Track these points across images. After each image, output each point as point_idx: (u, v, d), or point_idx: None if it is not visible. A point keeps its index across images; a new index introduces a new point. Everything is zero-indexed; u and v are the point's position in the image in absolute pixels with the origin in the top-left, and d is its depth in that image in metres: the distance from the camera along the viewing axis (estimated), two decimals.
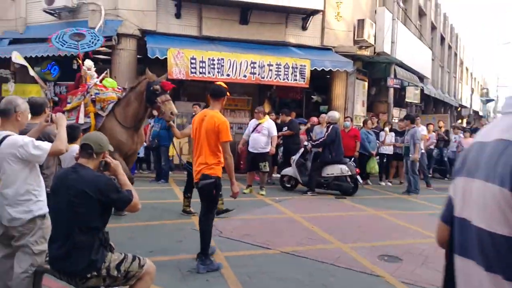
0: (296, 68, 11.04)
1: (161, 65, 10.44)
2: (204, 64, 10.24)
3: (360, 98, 14.10)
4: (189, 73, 10.14)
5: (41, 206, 3.04)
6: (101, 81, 6.69)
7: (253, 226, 6.05)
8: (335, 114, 9.18)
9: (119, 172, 2.89)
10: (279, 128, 9.55)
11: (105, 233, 2.78)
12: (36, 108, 3.99)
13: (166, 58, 9.92)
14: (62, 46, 8.17)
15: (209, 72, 10.31)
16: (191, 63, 10.10)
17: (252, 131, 8.53)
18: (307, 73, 11.14)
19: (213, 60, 10.31)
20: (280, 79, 11.00)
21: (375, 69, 14.65)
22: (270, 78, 10.93)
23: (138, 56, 11.16)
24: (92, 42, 8.35)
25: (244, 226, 5.98)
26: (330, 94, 13.32)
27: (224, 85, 4.46)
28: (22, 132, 3.20)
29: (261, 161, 8.37)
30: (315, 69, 11.22)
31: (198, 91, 12.48)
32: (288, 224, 6.29)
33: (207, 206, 4.30)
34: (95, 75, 6.77)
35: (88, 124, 6.11)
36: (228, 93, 4.49)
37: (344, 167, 8.70)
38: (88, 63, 6.79)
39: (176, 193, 8.05)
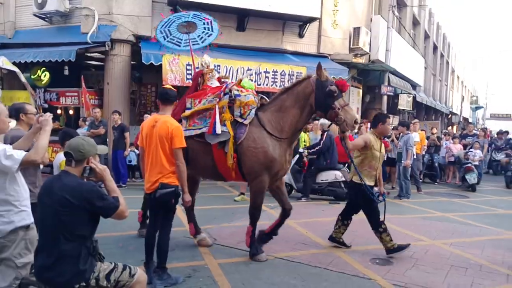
0: (293, 75, 11.13)
1: (155, 72, 10.50)
2: None
3: (354, 105, 14.20)
4: (185, 80, 10.15)
5: (24, 217, 2.94)
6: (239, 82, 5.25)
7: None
8: (325, 121, 9.24)
9: (106, 178, 2.79)
10: None
11: (93, 242, 2.72)
12: (10, 113, 3.66)
13: (161, 64, 9.94)
14: (179, 46, 6.49)
15: None
16: (187, 69, 10.12)
17: None
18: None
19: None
20: (276, 86, 11.06)
21: (369, 76, 14.82)
22: (267, 85, 11.01)
23: (132, 62, 11.16)
24: (205, 33, 6.47)
25: (239, 232, 5.98)
26: None
27: (173, 89, 4.35)
28: (6, 138, 3.08)
29: None
30: None
31: None
32: (282, 230, 6.23)
33: (165, 217, 4.08)
34: (216, 74, 5.58)
35: (227, 136, 4.65)
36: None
37: (338, 173, 8.80)
38: (207, 58, 5.52)
39: None
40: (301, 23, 12.15)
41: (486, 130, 16.40)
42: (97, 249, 2.75)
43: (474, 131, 14.20)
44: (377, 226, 5.10)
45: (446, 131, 17.55)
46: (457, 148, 12.25)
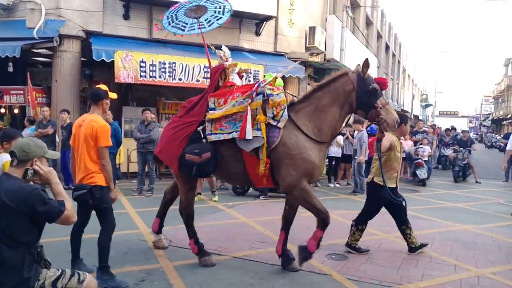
0: (250, 73, 11.07)
1: (107, 68, 10.13)
2: (154, 68, 10.03)
3: None
4: (138, 77, 9.87)
5: None
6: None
7: (204, 233, 5.93)
8: None
9: (52, 180, 2.62)
10: None
11: (38, 248, 2.58)
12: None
13: (113, 61, 9.60)
14: (183, 30, 5.94)
15: (160, 76, 10.10)
16: (141, 66, 9.85)
17: None
18: (261, 78, 11.20)
19: (164, 63, 10.13)
20: None
21: (325, 75, 14.90)
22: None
23: (82, 59, 10.72)
24: (214, 17, 5.91)
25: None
26: None
27: (104, 87, 4.24)
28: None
29: None
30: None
31: (148, 96, 12.22)
32: (241, 229, 6.27)
33: (101, 217, 4.05)
34: (236, 68, 4.90)
35: (261, 141, 4.13)
36: (109, 96, 4.22)
37: None
38: (226, 50, 4.88)
39: (122, 203, 7.76)
40: (258, 21, 12.16)
41: (435, 127, 17.14)
42: (42, 255, 2.60)
43: (424, 128, 14.78)
44: (402, 223, 5.21)
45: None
46: (408, 145, 12.68)
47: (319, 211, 4.28)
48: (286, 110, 4.28)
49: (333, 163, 11.38)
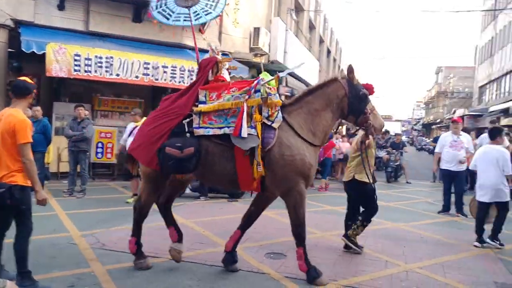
0: (193, 71, 10.89)
1: (38, 61, 9.50)
2: (90, 62, 9.55)
3: None
4: (72, 71, 9.34)
5: None
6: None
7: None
8: None
9: None
10: None
11: None
12: None
13: (44, 54, 9.02)
14: (168, 19, 5.75)
15: (95, 71, 9.62)
16: (75, 60, 9.32)
17: (129, 135, 7.87)
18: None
19: (101, 58, 9.67)
20: (175, 82, 10.77)
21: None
22: (165, 80, 10.64)
23: (9, 50, 9.93)
24: (203, 11, 5.66)
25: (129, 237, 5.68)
26: None
27: (30, 81, 3.95)
28: None
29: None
30: None
31: (82, 91, 11.60)
32: None
33: (18, 219, 3.79)
34: (226, 64, 4.72)
35: (257, 141, 3.96)
36: (35, 90, 3.96)
37: None
38: (215, 44, 4.64)
39: (51, 205, 7.26)
40: None
41: None
42: None
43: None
44: (368, 219, 5.43)
45: (336, 130, 18.77)
46: (345, 146, 13.11)
47: (300, 224, 4.25)
48: (280, 111, 4.19)
49: None
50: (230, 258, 4.54)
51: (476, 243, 5.95)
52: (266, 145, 4.01)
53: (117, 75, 9.89)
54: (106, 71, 9.74)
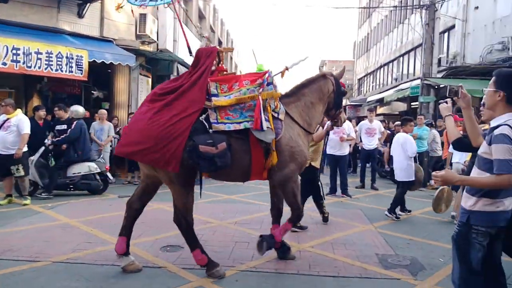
0: (72, 58, 9.98)
1: None
2: None
3: (144, 95, 13.84)
4: None
5: None
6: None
7: (17, 239, 5.14)
8: (78, 109, 8.63)
9: None
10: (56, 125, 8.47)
11: None
12: None
13: None
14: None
15: None
16: None
17: (0, 128, 7.12)
18: (85, 65, 10.22)
19: None
20: (52, 69, 9.73)
21: (158, 65, 14.71)
22: (39, 68, 9.55)
23: None
24: None
25: (5, 240, 5.03)
26: (112, 90, 12.69)
27: None
28: None
29: (12, 164, 7.12)
30: (94, 61, 10.41)
31: None
32: (63, 231, 5.61)
33: None
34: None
35: (273, 134, 4.05)
36: None
37: (92, 164, 8.35)
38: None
39: None
40: (81, 1, 11.03)
41: None
42: None
43: None
44: (319, 198, 6.32)
45: None
46: None
47: (298, 206, 4.44)
48: (281, 104, 4.34)
49: None
50: (285, 249, 4.68)
51: (388, 214, 6.90)
52: (277, 136, 4.14)
53: None
54: None
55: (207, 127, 3.92)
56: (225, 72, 4.45)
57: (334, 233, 5.82)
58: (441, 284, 3.98)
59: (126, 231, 4.27)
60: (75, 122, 8.11)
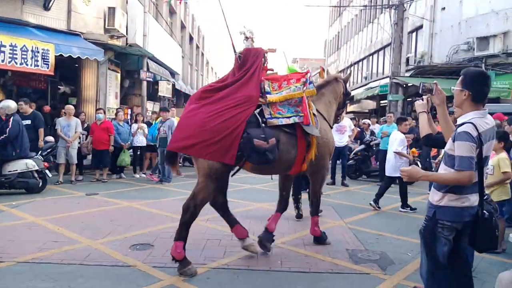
0: (38, 52, 9.68)
1: None
2: None
3: (113, 90, 13.58)
4: None
5: None
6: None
7: None
8: (9, 104, 8.00)
9: None
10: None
11: None
12: None
13: None
14: None
15: None
16: None
17: None
18: (51, 59, 9.93)
19: None
20: (16, 63, 9.40)
21: (128, 60, 14.43)
22: (3, 61, 9.20)
23: None
24: None
25: None
26: (79, 85, 12.38)
27: None
28: None
29: None
30: (61, 55, 10.11)
31: None
32: (28, 230, 5.43)
33: None
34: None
35: (317, 130, 4.52)
36: None
37: (30, 161, 7.94)
38: (249, 27, 4.68)
39: None
40: None
41: None
42: None
43: None
44: (298, 193, 6.68)
45: None
46: None
47: (319, 197, 5.21)
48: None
49: (138, 152, 11.01)
50: (269, 237, 4.87)
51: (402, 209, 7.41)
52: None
53: None
54: None
55: (260, 121, 4.18)
56: (270, 72, 4.72)
57: (305, 229, 5.86)
58: (410, 278, 4.08)
59: (233, 220, 4.75)
60: (11, 119, 7.65)
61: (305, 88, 4.47)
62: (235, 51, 4.60)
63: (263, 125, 4.16)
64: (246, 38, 4.75)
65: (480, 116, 2.72)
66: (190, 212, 4.06)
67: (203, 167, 4.07)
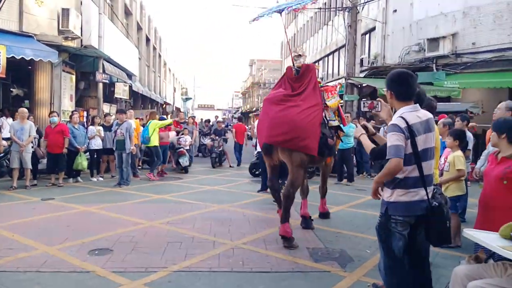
0: None
1: None
2: None
3: (67, 92, 13.20)
4: None
5: None
6: None
7: None
8: None
9: None
10: None
11: None
12: None
13: None
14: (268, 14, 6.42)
15: None
16: None
17: None
18: (3, 61, 9.56)
19: None
20: None
21: (83, 62, 14.07)
22: None
23: None
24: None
25: None
26: (33, 87, 11.96)
27: None
28: None
29: None
30: (13, 57, 9.73)
31: None
32: None
33: None
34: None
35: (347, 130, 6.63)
36: None
37: None
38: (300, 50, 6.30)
39: None
40: None
41: (194, 118, 18.35)
42: None
43: (185, 119, 15.65)
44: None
45: (176, 119, 18.70)
46: (171, 135, 13.16)
47: (326, 181, 6.66)
48: None
49: (95, 156, 10.77)
50: (308, 222, 6.06)
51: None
52: None
53: None
54: None
55: (326, 122, 5.49)
56: (320, 84, 5.79)
57: (266, 229, 5.98)
58: (369, 275, 4.20)
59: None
60: None
61: (338, 98, 5.90)
62: (293, 64, 5.72)
63: (327, 126, 5.50)
64: (299, 55, 5.89)
65: (410, 110, 2.88)
66: (291, 198, 5.10)
67: (296, 159, 5.08)
